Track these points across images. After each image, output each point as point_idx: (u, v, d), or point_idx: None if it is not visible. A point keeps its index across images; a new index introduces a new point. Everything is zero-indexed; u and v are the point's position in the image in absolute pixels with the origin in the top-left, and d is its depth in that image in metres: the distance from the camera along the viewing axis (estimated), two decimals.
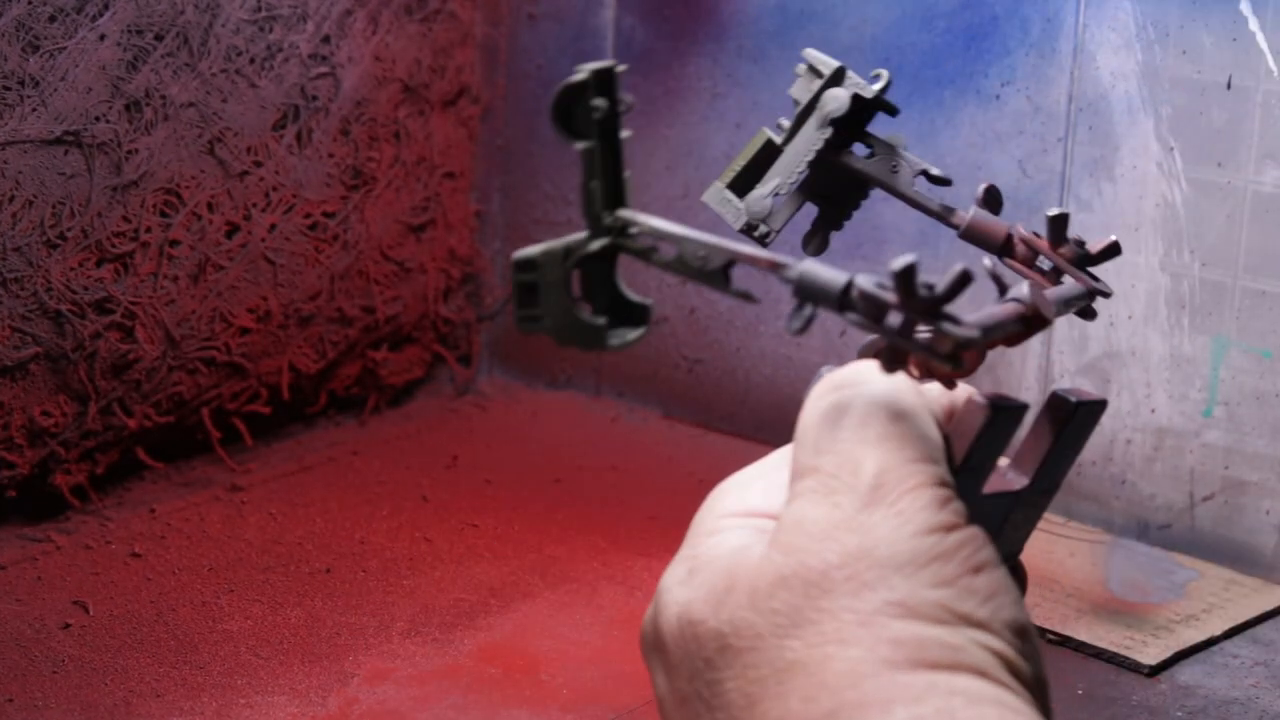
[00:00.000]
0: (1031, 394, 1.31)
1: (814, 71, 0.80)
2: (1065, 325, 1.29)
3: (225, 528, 1.24)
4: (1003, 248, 0.79)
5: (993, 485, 0.69)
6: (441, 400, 1.49)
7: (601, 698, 1.05)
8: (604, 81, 0.68)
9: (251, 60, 1.29)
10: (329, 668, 1.07)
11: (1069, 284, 0.77)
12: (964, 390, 0.69)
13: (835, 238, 0.80)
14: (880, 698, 0.60)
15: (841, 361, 0.69)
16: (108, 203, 1.22)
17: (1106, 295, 0.77)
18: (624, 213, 0.69)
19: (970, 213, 0.79)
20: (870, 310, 0.63)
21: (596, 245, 0.69)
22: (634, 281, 0.69)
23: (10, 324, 1.19)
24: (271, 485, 1.31)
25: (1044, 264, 0.78)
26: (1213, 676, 1.10)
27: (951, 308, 0.63)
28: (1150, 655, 1.11)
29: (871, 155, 0.81)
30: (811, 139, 0.80)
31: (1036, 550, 1.25)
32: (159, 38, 1.22)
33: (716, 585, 0.65)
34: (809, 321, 0.65)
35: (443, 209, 1.47)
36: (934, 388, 0.69)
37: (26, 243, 1.18)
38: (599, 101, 0.67)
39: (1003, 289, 0.70)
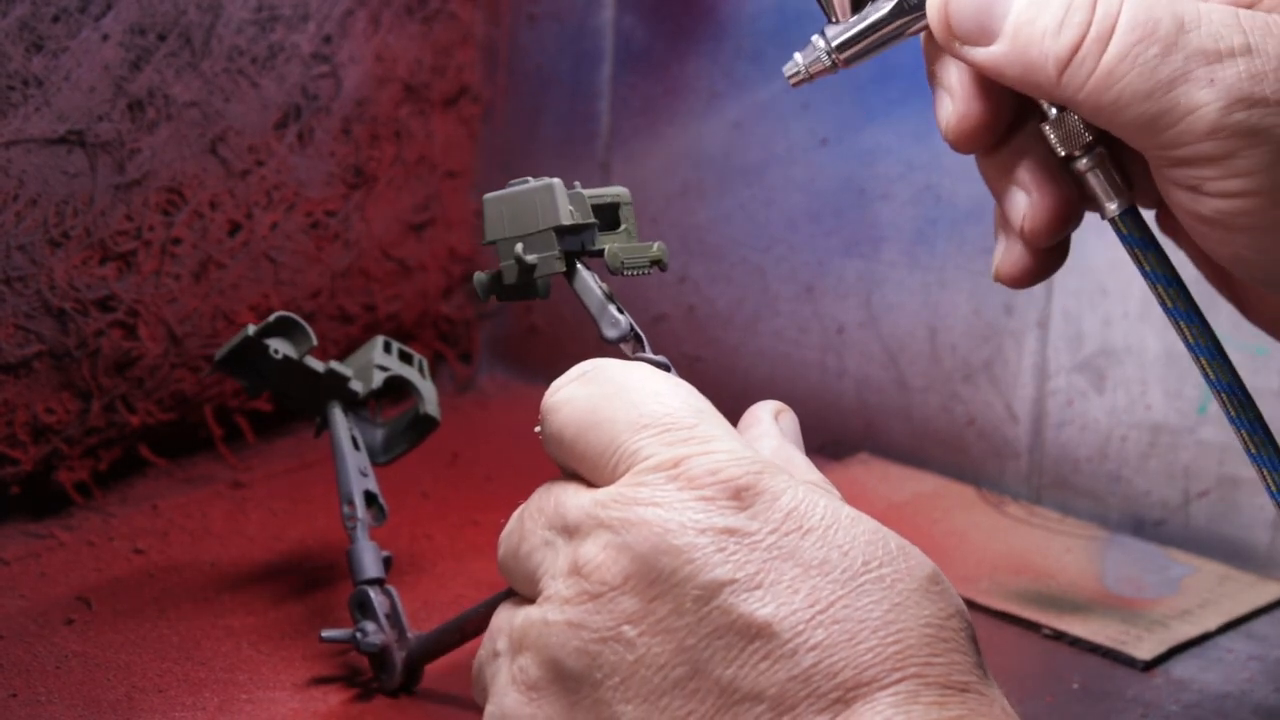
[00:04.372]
0: (1027, 391, 1.31)
1: None
2: (1061, 324, 1.29)
3: (227, 524, 1.25)
4: None
5: None
6: (442, 398, 1.49)
7: None
8: None
9: (253, 60, 1.29)
10: (331, 663, 1.07)
11: None
12: None
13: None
14: None
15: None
16: (110, 202, 1.22)
17: None
18: None
19: None
20: None
21: None
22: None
23: (14, 322, 1.19)
24: (273, 482, 1.32)
25: None
26: (1207, 671, 1.11)
27: None
28: (1145, 650, 1.12)
29: None
30: None
31: (1032, 546, 1.26)
32: (162, 37, 1.23)
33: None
34: None
35: (443, 208, 1.47)
36: None
37: (30, 241, 1.19)
38: None
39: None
